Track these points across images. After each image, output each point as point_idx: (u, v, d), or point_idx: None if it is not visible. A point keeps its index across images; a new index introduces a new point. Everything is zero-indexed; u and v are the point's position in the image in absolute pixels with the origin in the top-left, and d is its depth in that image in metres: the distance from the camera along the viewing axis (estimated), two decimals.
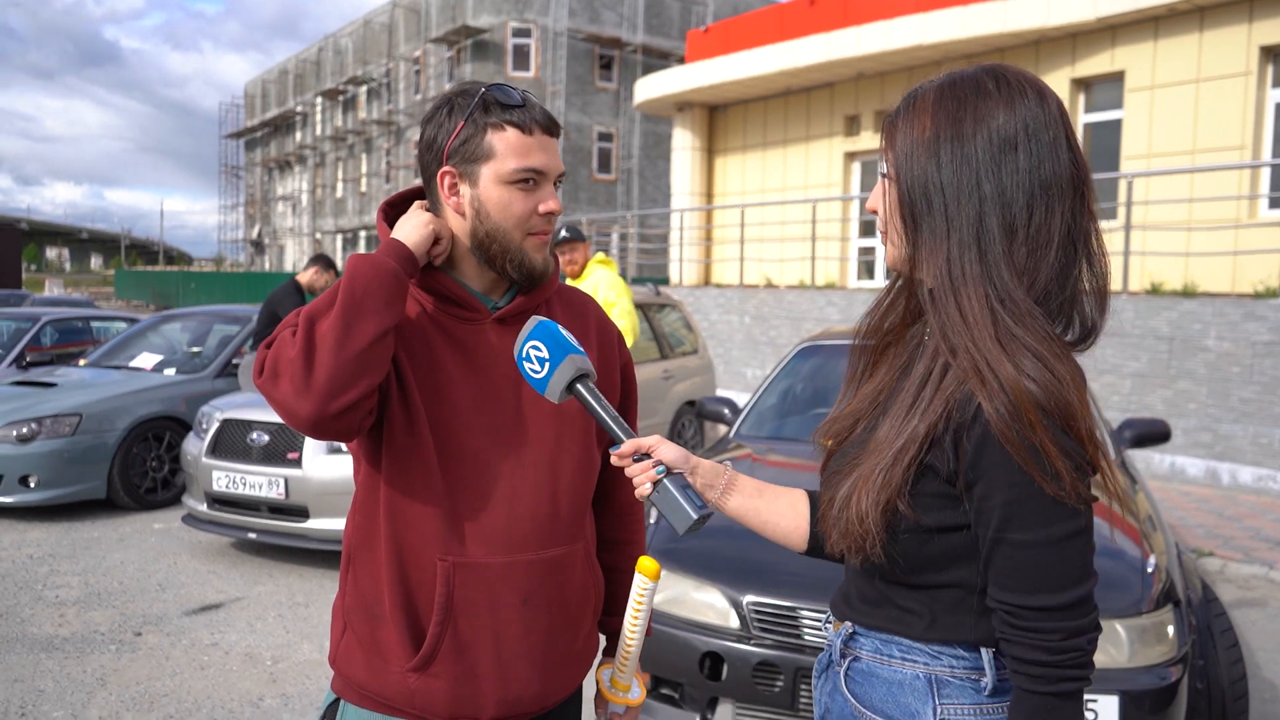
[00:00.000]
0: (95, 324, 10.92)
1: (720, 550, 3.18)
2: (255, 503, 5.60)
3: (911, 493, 1.19)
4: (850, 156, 14.93)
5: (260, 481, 5.55)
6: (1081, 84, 12.04)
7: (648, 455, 1.35)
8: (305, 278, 7.27)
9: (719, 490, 1.40)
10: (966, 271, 1.16)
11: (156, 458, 7.15)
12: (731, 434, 4.64)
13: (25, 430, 6.60)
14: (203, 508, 5.82)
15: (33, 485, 6.58)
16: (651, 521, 3.38)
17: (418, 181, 1.59)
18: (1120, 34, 11.42)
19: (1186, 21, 10.84)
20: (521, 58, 30.37)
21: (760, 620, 2.96)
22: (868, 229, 14.52)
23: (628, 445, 1.36)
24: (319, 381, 1.32)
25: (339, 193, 40.62)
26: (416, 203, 1.54)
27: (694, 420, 8.53)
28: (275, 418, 5.60)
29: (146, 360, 8.09)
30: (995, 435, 1.12)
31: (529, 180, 1.47)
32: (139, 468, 7.04)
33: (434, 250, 1.49)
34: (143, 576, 5.47)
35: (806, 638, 2.88)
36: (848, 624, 1.34)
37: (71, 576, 5.44)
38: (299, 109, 43.77)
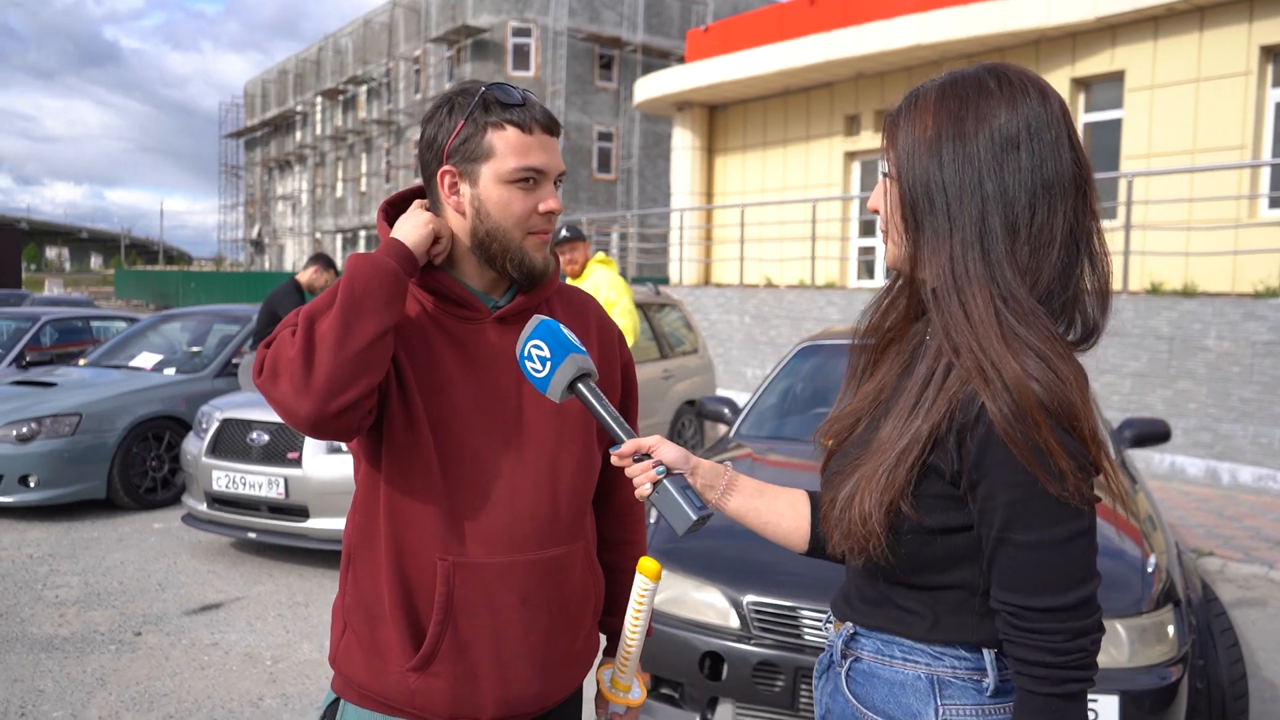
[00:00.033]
0: (95, 324, 10.92)
1: (720, 550, 3.18)
2: (255, 502, 5.60)
3: (914, 494, 1.18)
4: (850, 156, 14.93)
5: (260, 481, 5.54)
6: (1081, 84, 12.04)
7: (648, 456, 1.35)
8: (305, 277, 7.26)
9: (719, 491, 1.40)
10: (971, 270, 1.16)
11: (156, 457, 7.15)
12: (731, 434, 4.64)
13: (25, 430, 6.60)
14: (202, 507, 5.82)
15: (32, 485, 6.58)
16: (651, 521, 3.38)
17: (418, 181, 1.59)
18: (1120, 34, 11.42)
19: (1186, 21, 10.83)
20: (521, 57, 30.37)
21: (760, 620, 2.96)
22: (867, 229, 14.52)
23: (628, 445, 1.35)
24: (318, 381, 1.31)
25: (339, 192, 40.63)
26: (416, 202, 1.54)
27: (694, 420, 8.53)
28: (275, 417, 5.60)
29: (146, 360, 8.09)
30: (999, 435, 1.11)
31: (529, 179, 1.47)
32: (139, 467, 7.03)
33: (434, 249, 1.49)
34: (142, 576, 5.47)
35: (807, 638, 2.88)
36: (849, 624, 1.33)
37: (71, 576, 5.44)
38: (299, 109, 43.77)
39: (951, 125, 1.19)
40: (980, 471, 1.15)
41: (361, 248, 38.99)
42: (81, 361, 8.41)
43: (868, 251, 14.44)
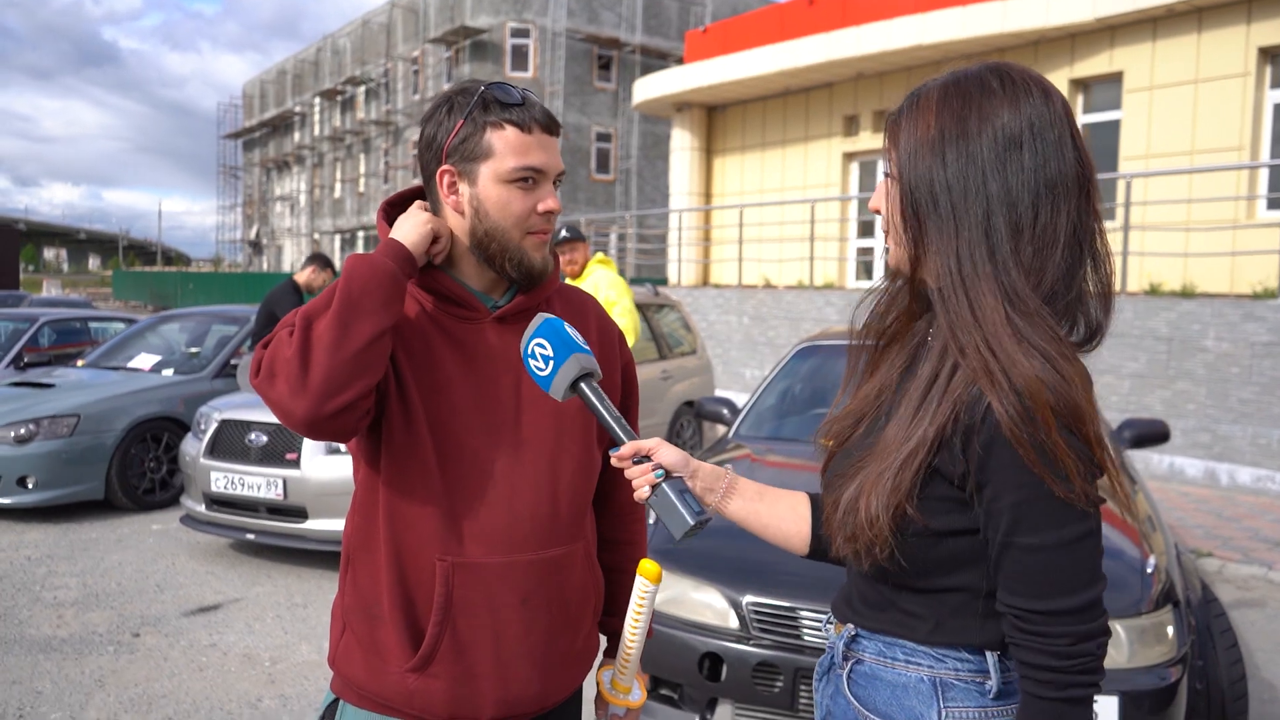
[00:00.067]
0: (93, 325, 10.91)
1: (719, 550, 3.18)
2: (253, 503, 5.59)
3: (919, 496, 1.18)
4: (849, 157, 14.94)
5: (258, 482, 5.54)
6: (1080, 84, 12.05)
7: (647, 458, 1.34)
8: (303, 277, 7.26)
9: (719, 494, 1.40)
10: (979, 270, 1.15)
11: (155, 458, 7.14)
12: (730, 434, 4.64)
13: (23, 431, 6.59)
14: (201, 508, 5.81)
15: (31, 486, 6.57)
16: (651, 522, 3.38)
17: (417, 181, 1.59)
18: (1119, 34, 11.43)
19: (1185, 22, 10.84)
20: (520, 58, 30.38)
21: (760, 620, 2.96)
22: (866, 229, 14.52)
23: (627, 447, 1.35)
24: (315, 382, 1.31)
25: (337, 193, 40.61)
26: (416, 203, 1.54)
27: (692, 420, 8.53)
28: (274, 418, 5.60)
29: (144, 361, 8.08)
30: (1005, 437, 1.11)
31: (528, 179, 1.47)
32: (137, 468, 7.02)
33: (433, 249, 1.49)
34: (141, 577, 5.46)
35: (806, 638, 2.88)
36: (850, 626, 1.33)
37: (69, 578, 5.43)
38: (297, 109, 43.76)
39: (954, 125, 1.18)
40: (986, 473, 1.14)
41: (360, 248, 38.97)
42: (80, 362, 8.40)
43: (866, 252, 14.44)
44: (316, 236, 41.98)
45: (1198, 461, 8.37)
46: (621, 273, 6.67)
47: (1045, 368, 1.10)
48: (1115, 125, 11.61)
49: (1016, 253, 1.16)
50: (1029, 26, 11.69)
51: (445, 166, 1.48)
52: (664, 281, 15.74)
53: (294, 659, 4.31)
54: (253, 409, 5.80)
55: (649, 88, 17.09)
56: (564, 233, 5.71)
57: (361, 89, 38.10)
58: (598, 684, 1.61)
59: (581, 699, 1.69)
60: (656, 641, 2.95)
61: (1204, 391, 8.32)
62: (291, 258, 44.59)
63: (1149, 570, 3.04)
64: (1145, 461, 8.54)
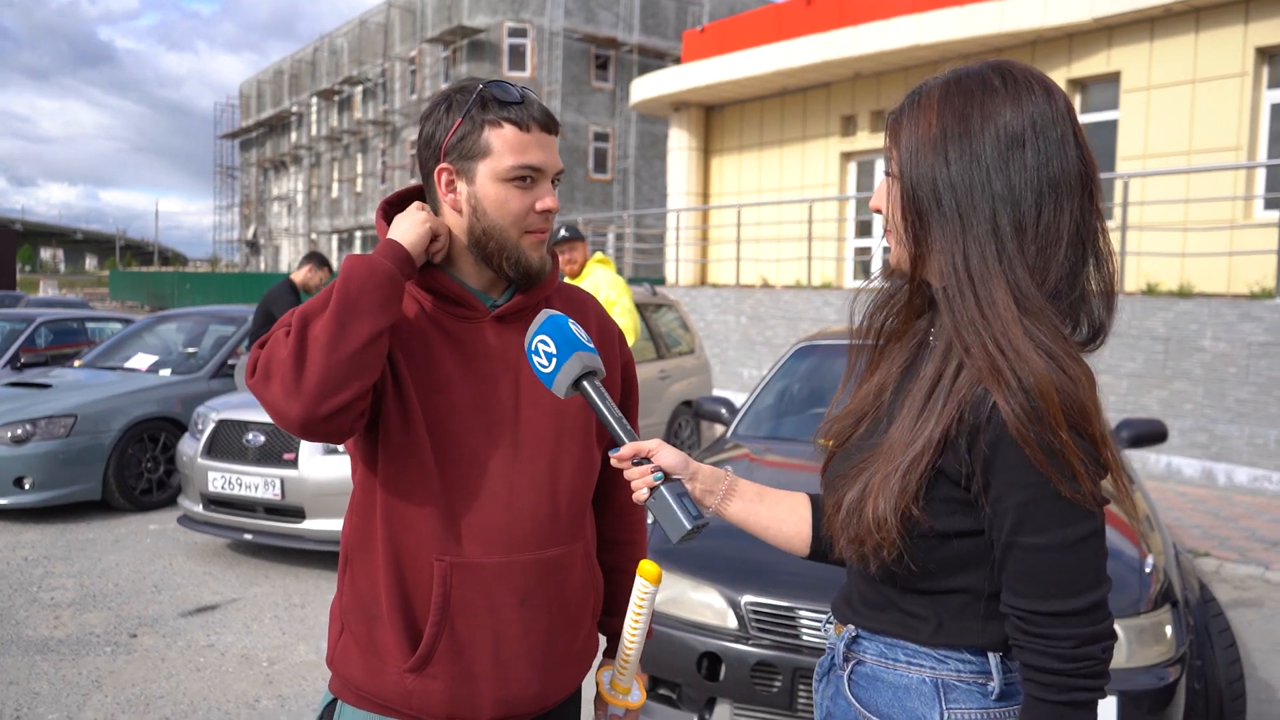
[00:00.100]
0: (90, 325, 10.90)
1: (718, 550, 3.17)
2: (251, 503, 5.59)
3: (925, 498, 1.17)
4: (846, 157, 14.94)
5: (256, 482, 5.53)
6: (1078, 84, 12.06)
7: (647, 459, 1.34)
8: (299, 276, 7.25)
9: (719, 496, 1.39)
10: (989, 268, 1.15)
11: (152, 459, 7.13)
12: (729, 434, 4.64)
13: (20, 431, 6.58)
14: (198, 509, 5.80)
15: (28, 487, 6.56)
16: (650, 522, 3.38)
17: (414, 181, 1.59)
18: (1116, 34, 11.44)
19: (1182, 22, 10.85)
20: (517, 58, 30.37)
21: (758, 620, 2.96)
22: (864, 229, 14.53)
23: (627, 448, 1.34)
24: (309, 383, 1.31)
25: (334, 193, 40.58)
26: (415, 203, 1.54)
27: (690, 420, 8.53)
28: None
29: (142, 361, 8.07)
30: (1011, 436, 1.10)
31: (526, 178, 1.46)
32: (134, 469, 7.01)
33: (432, 248, 1.48)
34: (138, 578, 5.45)
35: (805, 638, 2.88)
36: (850, 627, 1.32)
37: (67, 578, 5.42)
38: (294, 109, 43.73)
39: (957, 123, 1.18)
40: (991, 473, 1.13)
41: (357, 248, 38.95)
42: (76, 363, 8.39)
43: (864, 252, 14.45)
44: (314, 236, 41.95)
45: (1195, 461, 8.38)
46: (620, 272, 6.65)
47: (1052, 367, 1.09)
48: (1113, 125, 11.62)
49: (1021, 252, 1.15)
50: (1026, 26, 11.70)
51: (443, 165, 1.48)
52: (661, 281, 15.74)
53: (292, 659, 4.31)
54: (250, 409, 5.79)
55: (646, 87, 17.09)
56: (563, 232, 5.70)
57: (359, 89, 38.07)
58: (597, 684, 1.61)
59: (581, 699, 1.68)
60: (655, 641, 2.95)
61: (1201, 391, 8.33)
62: (289, 258, 44.55)
63: (1147, 570, 3.04)
64: (1142, 461, 8.55)
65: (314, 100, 41.79)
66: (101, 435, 6.82)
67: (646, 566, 1.43)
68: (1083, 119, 11.95)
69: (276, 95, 46.02)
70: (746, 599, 2.98)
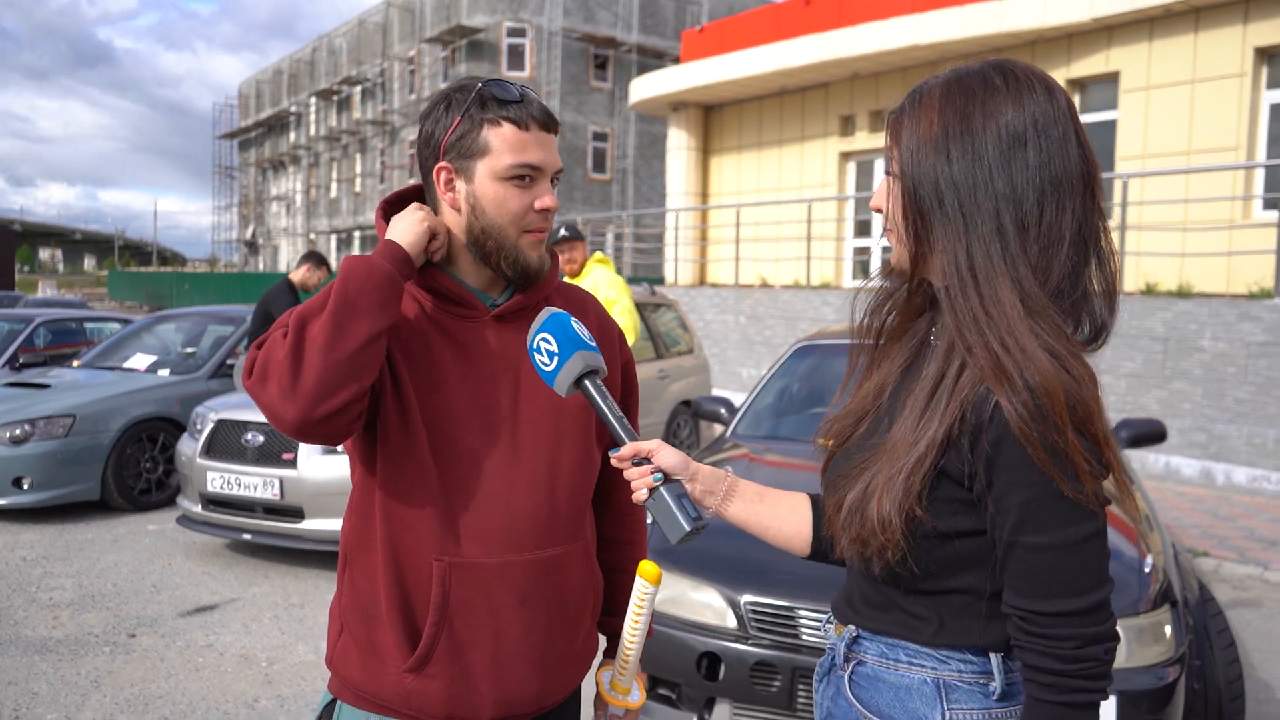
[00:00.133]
0: (89, 325, 10.89)
1: (718, 549, 3.17)
2: (250, 503, 5.58)
3: (928, 498, 1.17)
4: (845, 156, 14.94)
5: (255, 482, 5.53)
6: (1077, 84, 12.06)
7: (647, 460, 1.33)
8: (298, 276, 7.25)
9: (719, 496, 1.39)
10: (994, 266, 1.14)
11: (151, 459, 7.13)
12: (728, 433, 4.64)
13: (19, 432, 6.57)
14: (197, 509, 5.80)
15: (26, 487, 6.55)
16: (650, 521, 3.38)
17: (413, 181, 1.58)
18: (1116, 34, 11.44)
19: (1182, 22, 10.86)
20: (516, 57, 30.36)
21: (758, 620, 2.95)
22: (863, 229, 14.53)
23: (627, 448, 1.34)
24: (306, 385, 1.30)
25: (333, 193, 40.56)
26: (414, 204, 1.53)
27: (689, 420, 8.53)
28: None
29: (140, 361, 8.06)
30: (1014, 435, 1.10)
31: (524, 177, 1.46)
32: (133, 469, 7.01)
33: (431, 247, 1.48)
34: (137, 578, 5.45)
35: (804, 638, 2.88)
36: (851, 627, 1.32)
37: (65, 578, 5.41)
38: (293, 109, 43.70)
39: (958, 122, 1.17)
40: (994, 472, 1.13)
41: (356, 248, 38.94)
42: (75, 363, 8.38)
43: (863, 252, 14.45)
44: (312, 236, 41.93)
45: (1194, 461, 8.38)
46: (619, 272, 6.64)
47: (1057, 366, 1.09)
48: (1112, 125, 11.63)
49: (1024, 251, 1.15)
50: (1026, 26, 11.70)
51: (442, 163, 1.47)
52: (660, 281, 15.74)
53: (291, 659, 4.30)
54: (249, 409, 5.78)
55: (645, 87, 17.09)
56: (563, 231, 5.70)
57: (357, 89, 38.05)
58: (597, 684, 1.61)
59: (580, 699, 1.68)
60: (654, 640, 2.94)
61: (1200, 391, 8.33)
62: (287, 258, 44.53)
63: (1146, 570, 3.04)
64: (1141, 461, 8.55)
65: (313, 100, 41.77)
66: (100, 435, 6.81)
67: (646, 567, 1.43)
68: (1082, 119, 11.97)
69: (275, 95, 46.00)
70: (746, 599, 2.98)
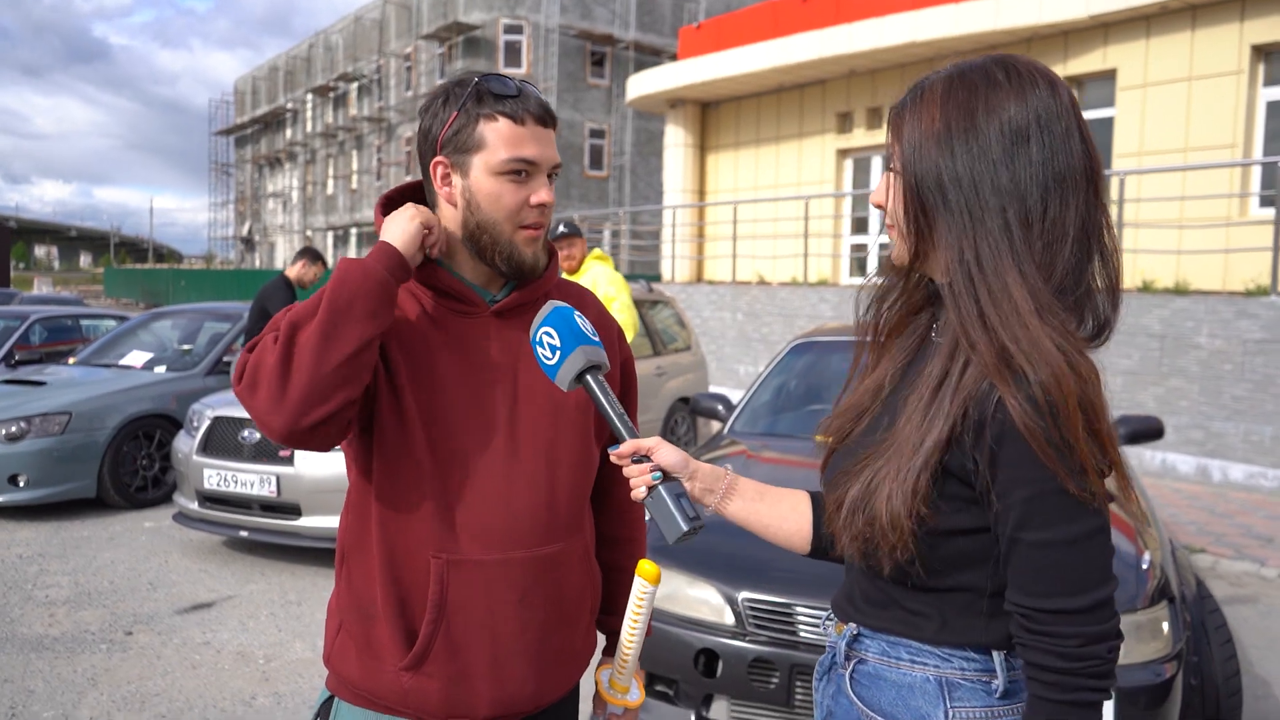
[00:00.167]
0: (84, 322, 10.87)
1: (715, 546, 3.16)
2: (247, 500, 5.57)
3: (933, 496, 1.16)
4: (842, 154, 14.94)
5: (252, 479, 5.52)
6: (1074, 82, 12.05)
7: (647, 457, 1.33)
8: (294, 272, 7.23)
9: (719, 494, 1.38)
10: (1002, 262, 1.13)
11: (147, 456, 7.11)
12: (725, 430, 4.64)
13: (14, 429, 6.56)
14: (194, 506, 5.79)
15: (22, 484, 6.54)
16: (649, 519, 3.37)
17: (409, 178, 1.57)
18: (1112, 32, 11.45)
19: (1178, 20, 10.86)
20: (513, 54, 30.31)
21: (755, 617, 2.95)
22: (860, 226, 14.54)
23: (627, 446, 1.33)
24: (294, 395, 1.30)
25: (330, 190, 40.50)
26: (408, 204, 1.52)
27: (687, 417, 8.53)
28: None
29: (136, 358, 8.05)
30: (1017, 431, 1.09)
31: (520, 171, 1.45)
32: (129, 466, 7.00)
33: (427, 241, 1.46)
34: (133, 575, 5.44)
35: (802, 634, 2.88)
36: (852, 625, 1.31)
37: (61, 576, 5.40)
38: (289, 106, 43.62)
39: (961, 117, 1.17)
40: (996, 468, 1.12)
41: (353, 245, 38.91)
42: (71, 360, 8.37)
43: (860, 249, 14.45)
44: (309, 233, 41.86)
45: (1190, 458, 8.39)
46: (616, 269, 6.63)
47: (1067, 361, 1.09)
48: (1109, 122, 11.62)
49: (1028, 247, 1.14)
50: (1022, 24, 11.70)
51: (439, 158, 1.47)
52: (658, 278, 15.74)
53: (288, 656, 4.30)
54: None
55: (642, 84, 17.07)
56: (561, 228, 5.69)
57: (354, 85, 37.98)
58: (596, 683, 1.60)
59: (578, 697, 1.68)
60: (652, 637, 2.94)
61: (1197, 388, 8.34)
62: (284, 255, 44.46)
63: (1144, 566, 3.04)
64: (1138, 458, 8.56)
65: (309, 97, 41.69)
66: (96, 432, 6.80)
67: (646, 567, 1.43)
68: None
69: (271, 92, 45.91)
70: (743, 595, 2.98)
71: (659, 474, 1.31)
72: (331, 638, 1.56)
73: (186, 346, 8.36)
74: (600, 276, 5.72)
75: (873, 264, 14.40)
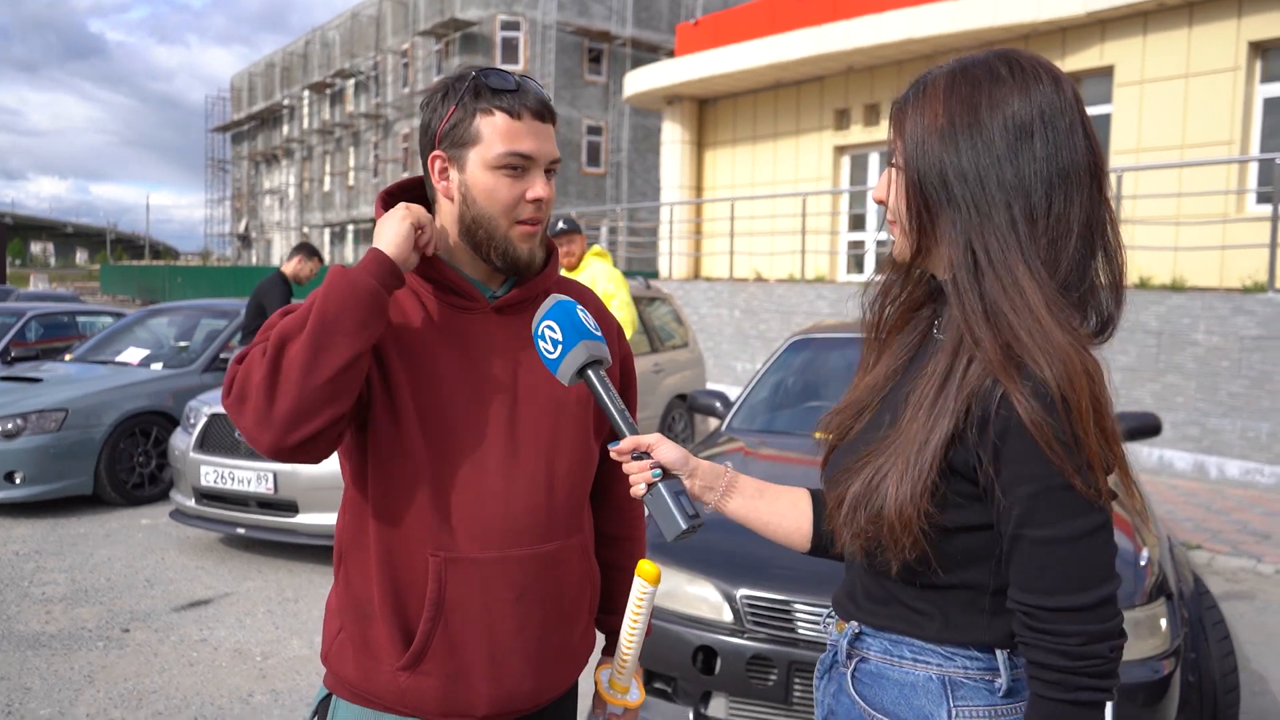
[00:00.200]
0: (81, 319, 10.85)
1: (714, 543, 3.16)
2: (244, 497, 5.57)
3: (939, 493, 1.15)
4: (840, 150, 14.93)
5: (249, 476, 5.51)
6: (1071, 78, 12.00)
7: (647, 454, 1.32)
8: (290, 268, 7.22)
9: (719, 492, 1.37)
10: (1010, 257, 1.13)
11: (144, 453, 7.10)
12: (723, 427, 4.63)
13: (10, 426, 6.54)
14: (191, 503, 5.78)
15: (18, 481, 6.53)
16: (647, 515, 3.37)
17: (407, 174, 1.57)
18: (1110, 28, 11.44)
19: (1176, 16, 10.86)
20: (510, 51, 30.27)
21: (754, 614, 2.95)
22: (857, 223, 14.53)
23: (627, 442, 1.33)
24: (281, 411, 1.29)
25: (326, 186, 40.45)
26: (400, 204, 1.50)
27: (684, 414, 8.53)
28: None
29: (133, 355, 8.03)
30: (1020, 427, 1.09)
31: (516, 166, 1.44)
32: (126, 463, 6.98)
33: (420, 240, 1.44)
34: (130, 573, 5.43)
35: (800, 632, 2.88)
36: (853, 623, 1.30)
37: (58, 573, 5.39)
38: (286, 102, 43.55)
39: (965, 112, 1.16)
40: (1000, 465, 1.12)
41: (349, 242, 38.86)
42: (67, 357, 8.35)
43: (857, 245, 14.45)
44: (306, 230, 41.81)
45: (1187, 454, 8.40)
46: (614, 265, 6.63)
47: (1075, 357, 1.08)
48: (1106, 119, 11.62)
49: (1034, 243, 1.13)
50: (1019, 20, 11.69)
51: (437, 152, 1.46)
52: (655, 274, 15.73)
53: (285, 654, 4.29)
54: None
55: (640, 81, 17.05)
56: (560, 224, 5.67)
57: (351, 82, 37.93)
58: (595, 683, 1.60)
59: (577, 695, 1.67)
60: (651, 635, 2.94)
61: (1193, 385, 8.35)
62: (280, 251, 44.40)
63: (1142, 563, 3.05)
64: (1135, 454, 8.57)
65: (306, 93, 41.62)
66: (93, 429, 6.78)
67: (646, 567, 1.42)
68: None
69: (268, 88, 45.82)
70: (742, 592, 2.98)
71: (659, 471, 1.31)
72: (330, 637, 1.55)
73: (183, 343, 8.34)
74: (599, 273, 5.71)
75: (871, 261, 14.43)
